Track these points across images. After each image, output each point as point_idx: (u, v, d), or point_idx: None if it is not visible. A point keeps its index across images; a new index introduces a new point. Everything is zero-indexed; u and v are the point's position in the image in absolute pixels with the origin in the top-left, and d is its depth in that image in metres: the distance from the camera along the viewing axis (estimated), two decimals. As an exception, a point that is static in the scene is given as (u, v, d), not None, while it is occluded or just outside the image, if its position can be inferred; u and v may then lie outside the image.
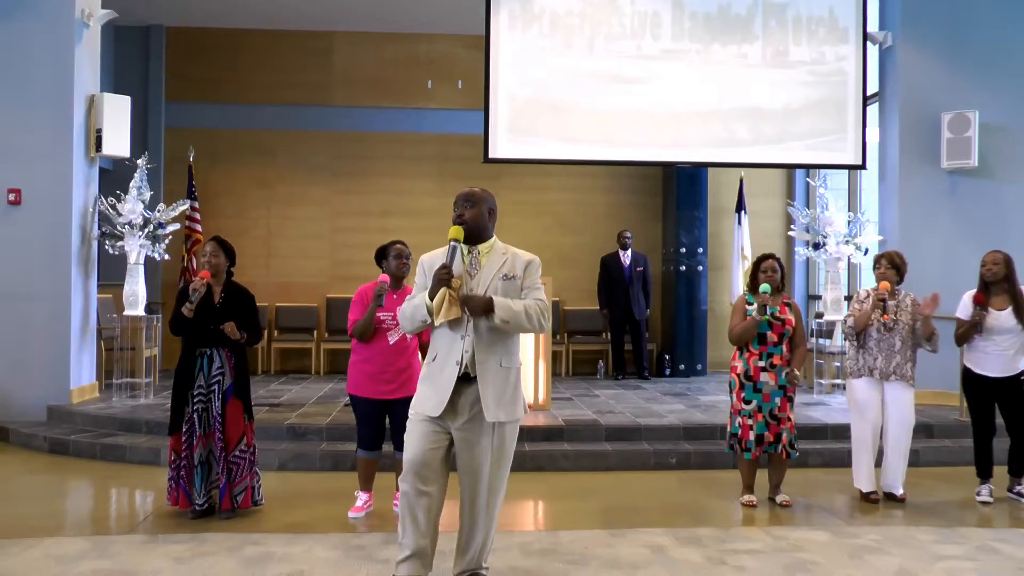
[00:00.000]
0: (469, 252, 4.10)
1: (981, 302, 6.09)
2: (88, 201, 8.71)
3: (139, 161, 9.03)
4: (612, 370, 11.36)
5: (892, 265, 6.19)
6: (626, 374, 11.20)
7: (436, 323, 4.00)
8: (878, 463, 6.29)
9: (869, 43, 9.75)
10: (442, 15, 11.29)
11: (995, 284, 6.13)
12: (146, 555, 4.75)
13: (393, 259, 5.62)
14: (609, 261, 11.24)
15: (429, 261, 4.13)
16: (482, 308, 3.93)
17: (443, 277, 3.93)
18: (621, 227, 11.41)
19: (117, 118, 8.74)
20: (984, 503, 6.14)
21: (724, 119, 9.69)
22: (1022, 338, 6.12)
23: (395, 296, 5.50)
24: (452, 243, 4.00)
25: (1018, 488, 6.23)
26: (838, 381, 9.52)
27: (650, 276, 11.34)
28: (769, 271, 6.00)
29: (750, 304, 6.02)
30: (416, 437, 4.06)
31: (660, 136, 9.69)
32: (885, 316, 6.07)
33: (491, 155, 9.54)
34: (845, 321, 6.30)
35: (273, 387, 10.00)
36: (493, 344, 4.03)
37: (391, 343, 5.53)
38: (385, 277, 5.54)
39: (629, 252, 11.16)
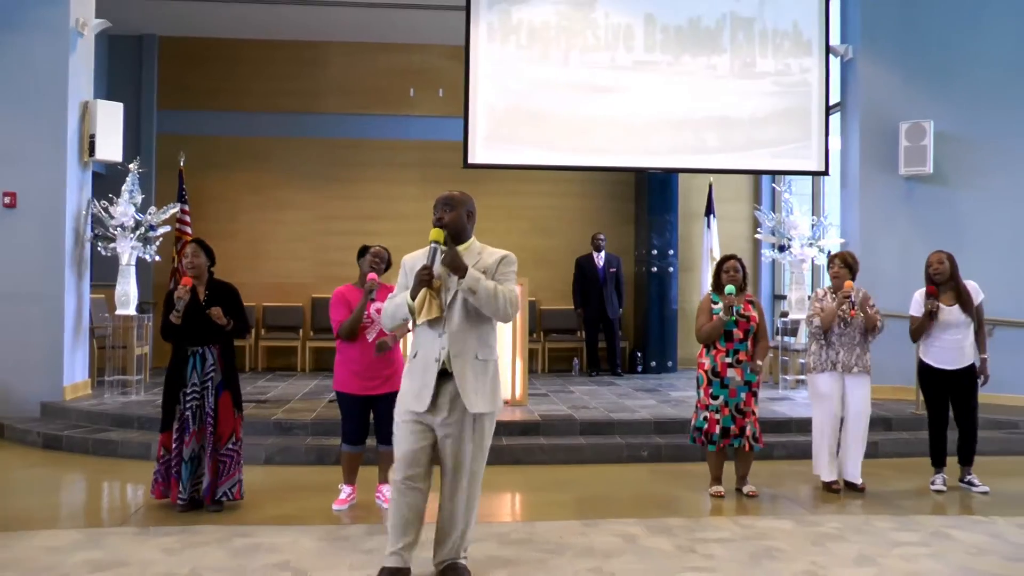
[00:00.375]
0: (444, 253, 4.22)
1: (934, 293, 6.33)
2: (81, 204, 8.81)
3: (131, 166, 9.13)
4: (586, 367, 11.57)
5: (845, 264, 6.41)
6: (600, 371, 11.40)
7: (418, 321, 4.14)
8: (837, 453, 6.49)
9: (831, 56, 10.01)
10: (425, 27, 11.47)
11: (943, 283, 6.38)
12: (138, 546, 4.81)
13: (369, 257, 5.73)
14: (583, 262, 11.45)
15: (411, 262, 4.27)
16: (458, 266, 4.05)
17: (424, 278, 4.07)
18: (595, 230, 11.65)
19: (110, 124, 8.85)
20: (938, 492, 6.38)
21: (694, 127, 9.89)
22: (971, 331, 6.39)
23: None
24: (432, 245, 4.12)
25: (968, 477, 6.49)
26: (802, 377, 9.77)
27: (623, 277, 11.56)
28: (731, 271, 6.15)
29: (715, 304, 6.18)
30: (405, 436, 4.19)
31: (633, 143, 9.87)
32: (852, 312, 6.29)
33: (470, 161, 9.68)
34: (811, 322, 6.44)
35: (260, 384, 10.09)
36: (468, 337, 4.16)
37: (370, 340, 5.62)
38: (373, 275, 5.64)
39: (603, 254, 11.39)
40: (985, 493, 6.37)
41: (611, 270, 11.38)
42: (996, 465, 7.23)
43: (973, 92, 9.47)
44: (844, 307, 6.31)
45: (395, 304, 4.24)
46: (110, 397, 8.72)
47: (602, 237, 11.47)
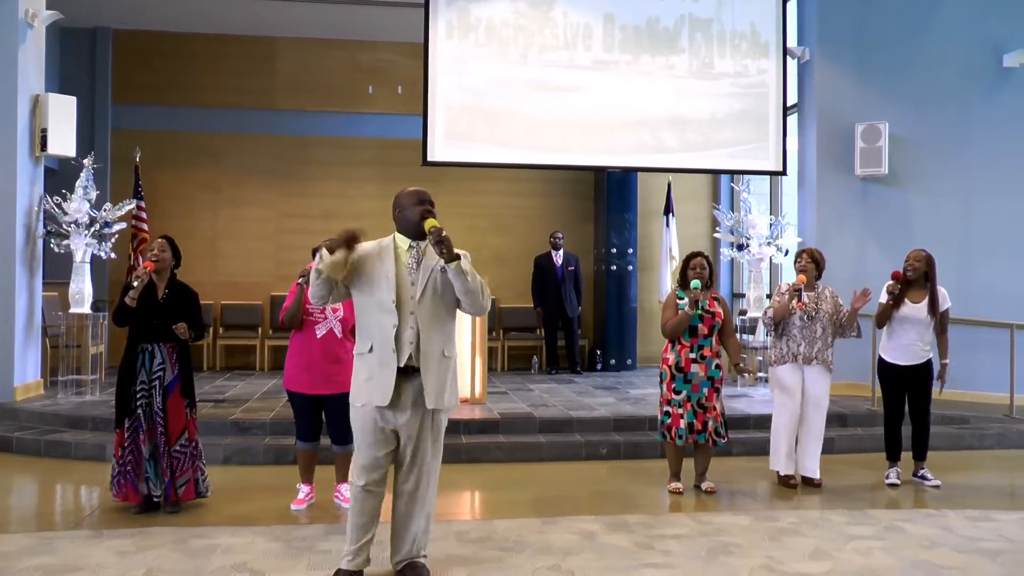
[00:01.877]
0: (411, 248, 4.20)
1: (898, 278, 6.42)
2: (33, 200, 8.66)
3: (85, 161, 8.98)
4: (546, 365, 11.61)
5: (812, 260, 6.51)
6: (559, 369, 11.44)
7: (319, 267, 4.02)
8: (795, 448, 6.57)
9: (788, 58, 10.14)
10: (383, 24, 11.43)
11: (914, 279, 6.47)
12: (91, 550, 4.74)
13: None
14: (542, 261, 11.48)
15: (358, 251, 4.15)
16: (453, 251, 3.99)
17: (350, 237, 4.01)
18: (554, 229, 11.68)
19: (62, 118, 8.71)
20: (892, 486, 6.51)
21: (653, 127, 9.96)
22: (930, 333, 6.51)
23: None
24: (432, 230, 4.00)
25: (921, 472, 6.63)
26: (761, 374, 9.91)
27: (581, 275, 11.60)
28: (698, 268, 6.20)
29: (681, 300, 6.21)
30: (368, 441, 4.15)
31: (592, 142, 9.91)
32: (800, 304, 6.37)
33: (429, 159, 9.66)
34: (766, 313, 6.57)
35: (218, 383, 9.99)
36: (434, 334, 4.14)
37: (319, 336, 5.58)
38: (312, 264, 5.67)
39: (561, 252, 11.43)
40: (937, 487, 6.51)
41: (569, 269, 11.43)
42: (947, 460, 7.39)
43: (925, 96, 9.65)
44: (793, 301, 6.38)
45: (311, 275, 4.15)
46: (63, 397, 8.58)
47: (560, 236, 11.50)
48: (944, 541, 5.10)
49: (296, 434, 5.81)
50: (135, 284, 5.38)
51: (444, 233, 3.98)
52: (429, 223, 4.07)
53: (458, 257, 4.03)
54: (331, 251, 4.02)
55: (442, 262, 4.11)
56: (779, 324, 6.47)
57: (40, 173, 8.88)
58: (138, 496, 5.51)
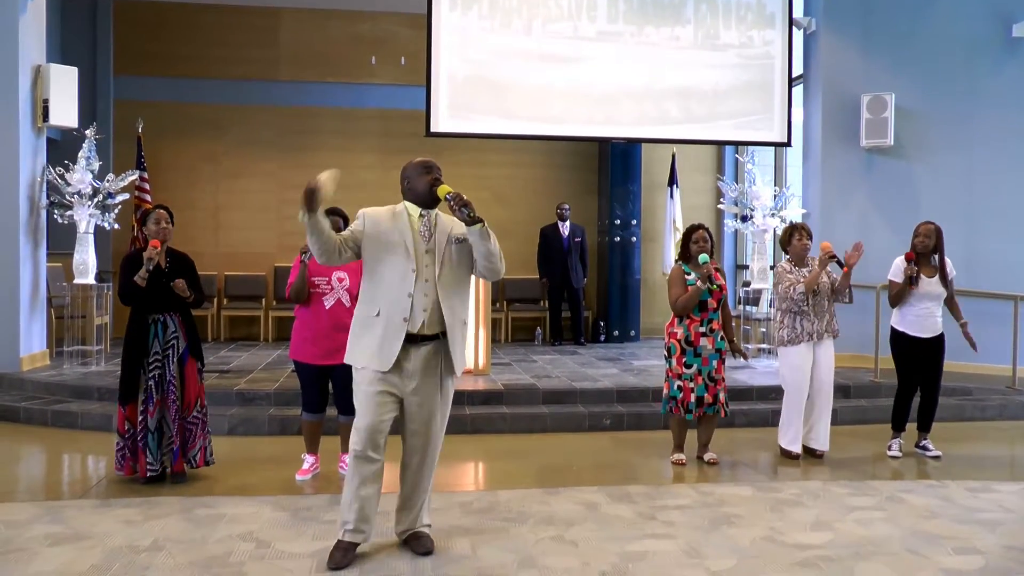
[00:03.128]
0: (422, 217, 4.20)
1: (912, 259, 6.42)
2: (36, 171, 8.65)
3: (87, 132, 8.96)
4: (549, 336, 11.64)
5: (809, 236, 6.52)
6: (562, 340, 11.47)
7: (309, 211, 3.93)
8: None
9: (794, 28, 10.06)
10: (386, -6, 11.32)
11: (924, 254, 6.48)
12: (98, 518, 4.75)
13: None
14: (548, 232, 11.47)
15: (372, 216, 4.19)
16: (475, 212, 4.01)
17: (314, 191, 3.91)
18: (558, 200, 11.65)
19: (64, 89, 8.67)
20: (894, 457, 6.54)
21: (657, 98, 9.90)
22: (942, 301, 6.53)
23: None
24: (448, 196, 4.02)
25: (924, 443, 6.67)
26: (763, 346, 9.93)
27: (587, 247, 11.61)
28: (701, 241, 6.16)
29: (688, 274, 6.18)
30: (370, 406, 4.12)
31: (595, 113, 9.87)
32: (845, 268, 6.29)
33: (432, 130, 9.63)
34: (791, 291, 6.32)
35: (222, 354, 10.01)
36: (457, 300, 4.19)
37: (327, 307, 5.57)
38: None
39: (567, 223, 11.41)
40: (937, 458, 6.54)
41: (575, 240, 11.41)
42: (949, 431, 7.42)
43: (932, 68, 9.59)
44: (828, 267, 6.34)
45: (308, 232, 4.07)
46: (69, 368, 8.61)
47: (567, 207, 11.48)
48: (944, 512, 5.13)
49: (302, 405, 5.82)
50: (149, 267, 5.35)
51: (464, 196, 4.00)
52: (443, 189, 4.09)
53: (481, 220, 4.04)
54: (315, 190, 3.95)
55: (456, 229, 4.14)
56: (809, 298, 6.35)
57: (42, 144, 8.85)
58: (143, 470, 5.50)
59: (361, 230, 4.16)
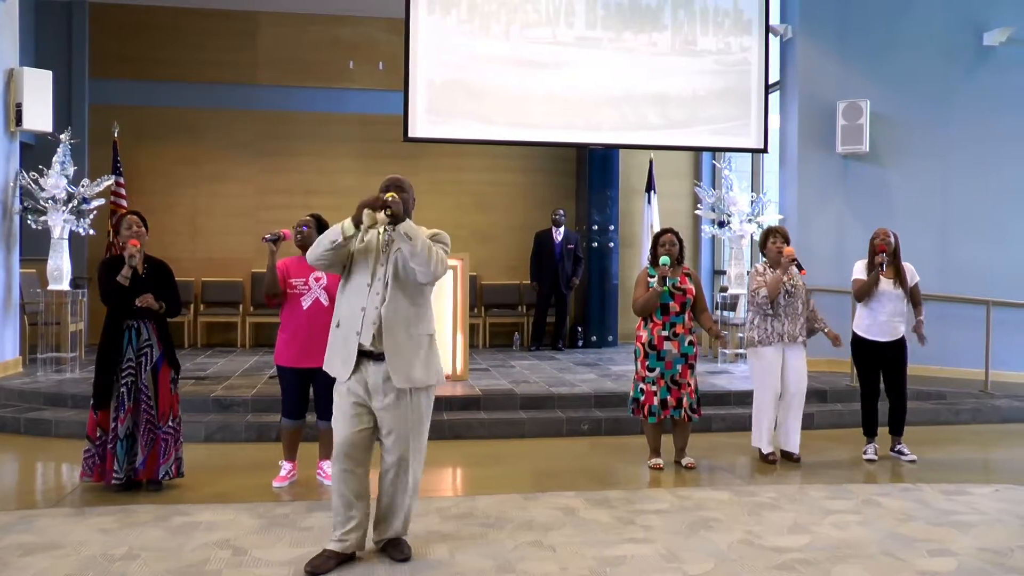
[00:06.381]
0: (385, 231, 4.17)
1: (884, 250, 6.46)
2: (9, 176, 8.57)
3: (62, 136, 8.89)
4: (529, 342, 11.63)
5: (785, 240, 6.53)
6: (540, 345, 11.47)
7: (364, 225, 4.01)
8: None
9: (771, 35, 10.15)
10: (364, -1, 11.31)
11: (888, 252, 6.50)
12: (72, 527, 4.71)
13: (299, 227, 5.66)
14: (543, 237, 11.48)
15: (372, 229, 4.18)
16: (400, 214, 3.97)
17: (389, 202, 3.95)
18: (536, 206, 11.69)
19: (38, 93, 8.60)
20: (870, 461, 6.59)
21: (635, 104, 9.95)
22: (903, 306, 6.58)
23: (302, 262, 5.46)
24: (387, 198, 4.00)
25: (898, 447, 6.72)
26: (741, 351, 9.95)
27: (581, 254, 11.58)
28: (667, 244, 6.18)
29: (652, 277, 6.20)
30: (344, 419, 4.14)
31: (574, 119, 9.90)
32: (803, 272, 6.39)
33: (410, 135, 9.60)
34: (755, 296, 6.44)
35: (199, 360, 9.94)
36: (401, 313, 4.10)
37: (304, 308, 5.54)
38: (287, 232, 5.63)
39: (562, 230, 11.41)
40: (913, 462, 6.59)
41: (568, 246, 11.42)
42: (923, 434, 7.50)
43: (907, 75, 9.70)
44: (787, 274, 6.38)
45: (331, 229, 4.12)
46: (43, 375, 8.52)
47: (562, 213, 11.49)
48: (919, 514, 5.16)
49: (282, 411, 5.77)
50: (132, 263, 5.31)
51: (389, 198, 3.99)
52: (388, 194, 4.06)
53: (399, 220, 4.01)
54: (356, 222, 4.03)
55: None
56: (773, 301, 6.41)
57: (16, 148, 8.77)
58: (108, 477, 5.43)
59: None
